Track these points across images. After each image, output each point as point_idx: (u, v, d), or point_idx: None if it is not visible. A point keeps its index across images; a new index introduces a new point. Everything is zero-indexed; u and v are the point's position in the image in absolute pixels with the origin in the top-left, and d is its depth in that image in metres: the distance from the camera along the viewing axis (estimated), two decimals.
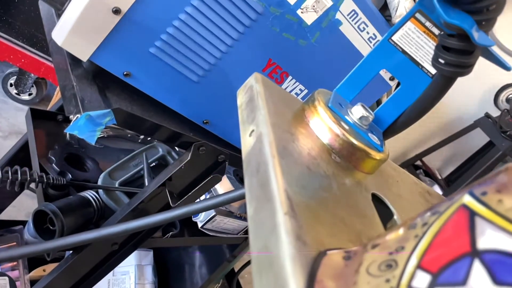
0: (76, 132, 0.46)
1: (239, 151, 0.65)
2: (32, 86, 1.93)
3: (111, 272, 0.71)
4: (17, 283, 0.85)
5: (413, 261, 0.15)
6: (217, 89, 0.57)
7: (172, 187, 0.60)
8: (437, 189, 2.07)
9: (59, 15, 0.49)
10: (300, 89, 0.61)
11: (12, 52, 1.76)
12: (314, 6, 0.52)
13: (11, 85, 1.91)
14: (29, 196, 1.37)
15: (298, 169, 0.26)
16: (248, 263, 1.17)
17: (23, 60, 1.78)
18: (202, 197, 0.72)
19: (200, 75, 0.54)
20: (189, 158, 0.58)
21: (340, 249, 0.20)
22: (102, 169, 0.80)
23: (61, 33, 0.47)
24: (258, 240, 0.21)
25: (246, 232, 0.95)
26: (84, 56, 0.48)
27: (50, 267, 0.98)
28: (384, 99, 1.04)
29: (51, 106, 1.57)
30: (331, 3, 0.53)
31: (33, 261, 0.98)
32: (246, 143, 0.28)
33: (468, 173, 1.88)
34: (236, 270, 1.20)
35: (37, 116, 0.83)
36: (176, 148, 0.88)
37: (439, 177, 2.21)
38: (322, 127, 0.33)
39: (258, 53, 0.55)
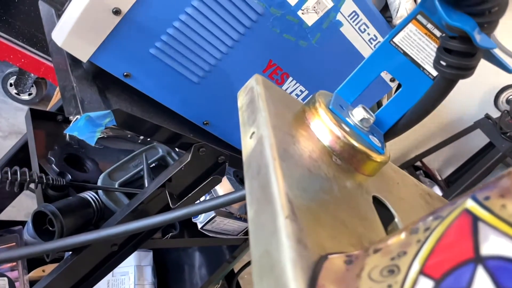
0: (76, 133, 0.46)
1: (239, 152, 0.65)
2: (32, 86, 1.93)
3: (111, 272, 0.70)
4: (16, 284, 0.85)
5: (416, 266, 0.15)
6: (217, 90, 0.56)
7: (172, 188, 0.60)
8: (437, 190, 2.07)
9: (59, 16, 0.49)
10: (300, 90, 0.61)
11: (12, 52, 1.76)
12: (315, 7, 0.52)
13: (11, 85, 1.91)
14: (28, 196, 1.37)
15: (299, 172, 0.26)
16: (248, 263, 1.17)
17: (23, 60, 1.78)
18: (202, 198, 0.72)
19: (200, 76, 0.54)
20: (189, 159, 0.58)
21: (341, 253, 0.20)
22: (101, 170, 0.80)
23: (61, 33, 0.47)
24: (258, 244, 0.21)
25: (246, 233, 0.95)
26: (84, 57, 0.48)
27: (49, 267, 0.98)
28: (384, 100, 1.04)
29: (50, 106, 1.57)
30: (332, 4, 0.52)
31: (33, 262, 0.97)
32: (247, 145, 0.28)
33: (468, 174, 1.88)
34: (236, 271, 1.20)
35: (37, 117, 0.83)
36: (176, 149, 0.88)
37: (439, 178, 2.20)
38: (323, 129, 0.32)
39: (259, 54, 0.55)
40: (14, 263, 0.87)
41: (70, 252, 0.63)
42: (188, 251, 1.19)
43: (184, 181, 0.62)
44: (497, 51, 0.30)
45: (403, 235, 0.18)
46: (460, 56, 0.28)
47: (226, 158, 0.62)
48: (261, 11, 0.50)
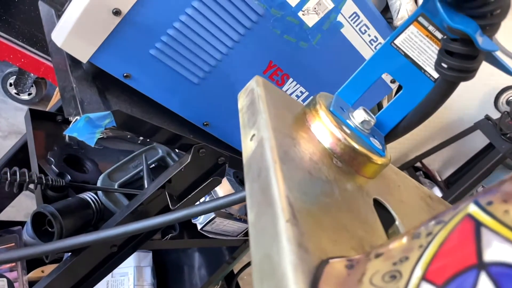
0: (76, 134, 0.45)
1: (239, 153, 0.64)
2: (32, 86, 1.93)
3: (110, 273, 0.70)
4: (16, 284, 0.85)
5: (418, 272, 0.15)
6: (218, 91, 0.56)
7: (171, 189, 0.60)
8: (436, 191, 2.07)
9: (59, 16, 0.49)
10: (301, 91, 0.61)
11: (12, 51, 1.75)
12: (315, 8, 0.52)
13: (10, 84, 1.91)
14: (28, 196, 1.36)
15: (299, 175, 0.25)
16: (248, 264, 1.17)
17: (22, 60, 1.78)
18: (202, 199, 0.72)
19: (200, 77, 0.54)
20: (189, 160, 0.58)
21: (342, 257, 0.20)
22: (101, 171, 0.79)
23: (60, 34, 0.47)
24: (259, 247, 0.20)
25: (246, 234, 0.95)
26: (84, 58, 0.48)
27: (48, 268, 0.98)
28: (385, 102, 1.04)
29: (50, 106, 1.57)
30: (332, 5, 0.52)
31: (32, 262, 0.97)
32: (247, 147, 0.28)
33: (468, 175, 1.88)
34: (235, 271, 1.20)
35: (36, 117, 0.82)
36: (176, 150, 0.88)
37: (439, 179, 2.20)
38: (323, 131, 0.32)
39: (259, 55, 0.54)
40: (13, 264, 0.87)
41: (70, 253, 0.63)
42: (188, 251, 1.19)
43: (184, 182, 0.62)
44: (498, 53, 0.30)
45: (404, 240, 0.18)
46: (461, 59, 0.28)
47: (226, 159, 0.62)
48: (262, 12, 0.50)
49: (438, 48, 0.32)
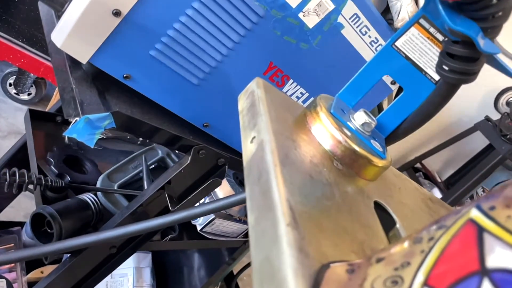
0: (75, 136, 0.45)
1: (239, 154, 0.64)
2: (32, 86, 1.92)
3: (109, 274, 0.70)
4: (15, 285, 0.85)
5: (420, 278, 0.15)
6: (218, 92, 0.56)
7: (171, 190, 0.60)
8: (436, 192, 2.07)
9: (58, 17, 0.48)
10: (301, 93, 0.60)
11: (12, 51, 1.75)
12: (316, 9, 0.52)
13: (10, 84, 1.91)
14: (27, 196, 1.36)
15: (300, 178, 0.25)
16: (248, 265, 1.16)
17: (22, 60, 1.77)
18: (202, 201, 0.71)
19: (200, 78, 0.54)
20: (188, 161, 0.58)
21: (343, 262, 0.20)
22: (101, 171, 0.79)
23: (60, 35, 0.46)
24: (259, 251, 0.20)
25: (246, 235, 0.94)
26: (83, 59, 0.48)
27: (48, 269, 0.98)
28: (385, 103, 1.04)
29: (50, 106, 1.57)
30: (333, 6, 0.52)
31: (31, 263, 0.97)
32: (248, 149, 0.28)
33: (467, 176, 1.87)
34: (235, 272, 1.20)
35: (36, 117, 0.82)
36: (176, 150, 0.88)
37: (439, 180, 2.20)
38: (324, 133, 0.32)
39: (259, 56, 0.54)
40: (13, 265, 0.86)
41: (69, 254, 0.63)
42: (187, 252, 1.19)
43: (184, 184, 0.61)
44: (499, 55, 0.30)
45: (406, 244, 0.18)
46: (463, 61, 0.28)
47: (226, 161, 0.62)
48: (262, 13, 0.50)
49: (439, 50, 0.32)
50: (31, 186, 0.64)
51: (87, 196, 0.67)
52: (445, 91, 0.31)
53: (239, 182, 0.89)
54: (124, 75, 0.50)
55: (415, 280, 0.15)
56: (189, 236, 0.88)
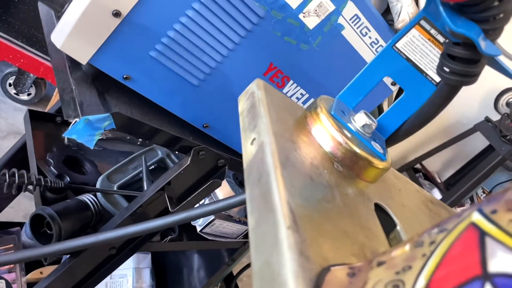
0: (75, 136, 0.45)
1: (239, 155, 0.64)
2: (31, 86, 1.92)
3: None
4: (14, 286, 0.85)
5: (421, 282, 0.15)
6: (218, 93, 0.56)
7: (171, 191, 0.60)
8: (436, 193, 2.07)
9: (58, 17, 0.48)
10: (301, 94, 0.60)
11: (12, 52, 1.75)
12: (316, 10, 0.52)
13: (10, 85, 1.90)
14: (27, 197, 1.36)
15: (300, 180, 0.25)
16: (247, 266, 1.16)
17: (22, 60, 1.77)
18: (201, 201, 0.71)
19: (200, 78, 0.53)
20: (188, 162, 0.58)
21: (344, 265, 0.20)
22: (100, 172, 0.79)
23: (60, 35, 0.46)
24: (259, 254, 0.20)
25: (245, 236, 0.94)
26: (83, 59, 0.48)
27: (47, 269, 0.98)
28: (385, 104, 1.04)
29: (50, 107, 1.56)
30: (333, 7, 0.52)
31: (30, 264, 0.97)
32: (248, 151, 0.27)
33: (467, 177, 1.87)
34: (235, 273, 1.19)
35: (36, 118, 0.82)
36: (176, 151, 0.87)
37: (439, 181, 2.20)
38: (324, 135, 0.32)
39: (259, 57, 0.54)
40: (12, 265, 0.86)
41: (68, 255, 0.63)
42: (187, 253, 1.19)
43: (184, 185, 0.61)
44: (500, 57, 0.30)
45: (407, 248, 0.18)
46: (464, 63, 0.28)
47: (226, 162, 0.62)
48: (262, 14, 0.50)
49: (440, 52, 0.32)
50: (30, 187, 0.64)
51: (87, 197, 0.67)
52: (446, 93, 0.31)
53: (239, 183, 0.89)
54: (124, 76, 0.50)
55: (417, 284, 0.15)
56: (189, 237, 0.88)
